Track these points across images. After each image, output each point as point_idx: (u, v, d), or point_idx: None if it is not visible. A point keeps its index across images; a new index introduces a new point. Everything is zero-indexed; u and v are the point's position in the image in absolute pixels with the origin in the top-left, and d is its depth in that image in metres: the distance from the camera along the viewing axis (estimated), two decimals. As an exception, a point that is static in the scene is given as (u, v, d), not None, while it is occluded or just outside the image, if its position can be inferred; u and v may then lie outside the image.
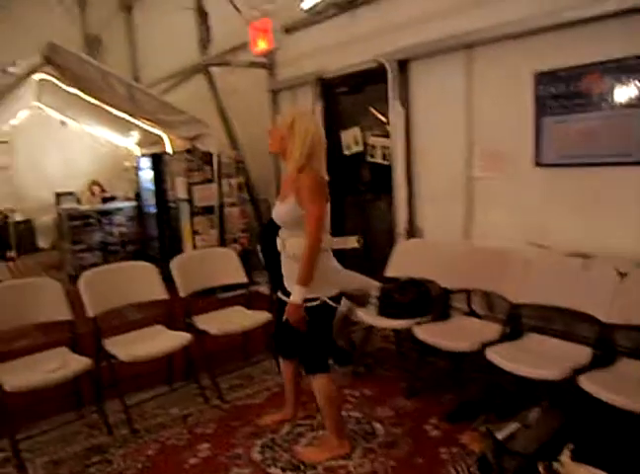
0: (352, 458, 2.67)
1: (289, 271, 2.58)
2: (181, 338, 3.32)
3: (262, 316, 3.62)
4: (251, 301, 3.89)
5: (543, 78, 3.52)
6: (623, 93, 3.13)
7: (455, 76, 4.04)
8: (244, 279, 3.91)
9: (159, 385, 3.57)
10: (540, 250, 3.49)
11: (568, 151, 3.47)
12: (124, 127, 7.46)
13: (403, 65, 4.42)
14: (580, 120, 3.37)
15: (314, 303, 2.50)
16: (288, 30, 4.88)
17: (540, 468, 2.34)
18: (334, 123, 5.34)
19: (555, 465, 2.29)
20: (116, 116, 6.56)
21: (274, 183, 6.14)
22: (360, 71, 4.73)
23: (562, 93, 3.43)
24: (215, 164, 5.56)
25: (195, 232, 5.57)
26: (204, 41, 5.92)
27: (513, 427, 2.52)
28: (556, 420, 2.53)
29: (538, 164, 3.64)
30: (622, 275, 2.74)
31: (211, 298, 4.79)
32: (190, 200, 5.55)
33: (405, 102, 4.45)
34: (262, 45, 4.47)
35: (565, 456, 2.29)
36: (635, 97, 3.08)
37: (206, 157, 5.55)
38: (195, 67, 5.92)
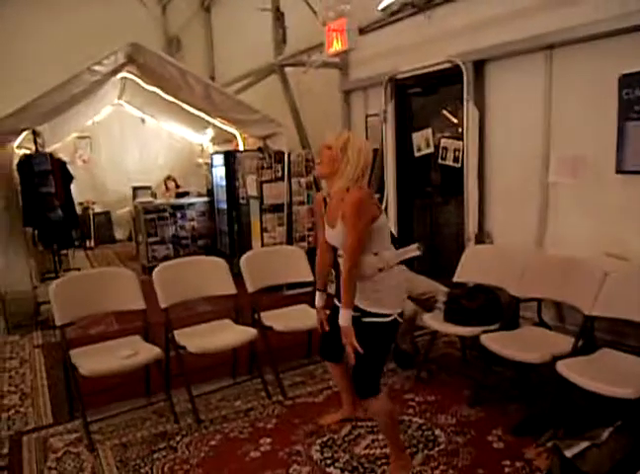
0: (412, 465, 2.64)
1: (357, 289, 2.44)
2: (247, 333, 3.39)
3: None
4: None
5: (628, 80, 3.35)
6: None
7: (534, 78, 3.92)
8: (310, 278, 3.94)
9: (224, 378, 3.66)
10: (618, 261, 3.33)
11: (654, 158, 3.30)
12: (200, 125, 7.74)
13: (479, 66, 4.33)
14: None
15: (386, 319, 2.42)
16: (363, 30, 4.87)
17: (611, 490, 2.24)
18: (405, 125, 5.30)
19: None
20: (192, 113, 6.80)
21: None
22: (434, 72, 4.65)
23: (649, 96, 3.26)
24: (286, 163, 5.63)
25: (263, 229, 5.68)
26: (280, 42, 6.01)
27: (583, 445, 2.43)
28: (630, 440, 2.41)
29: (620, 171, 3.47)
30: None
31: (277, 295, 4.88)
32: (260, 198, 5.66)
33: (480, 103, 4.36)
34: (337, 46, 4.48)
35: (639, 479, 2.19)
36: None
37: (278, 155, 5.64)
38: (269, 67, 6.02)
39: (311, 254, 4.14)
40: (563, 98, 3.77)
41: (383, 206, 5.36)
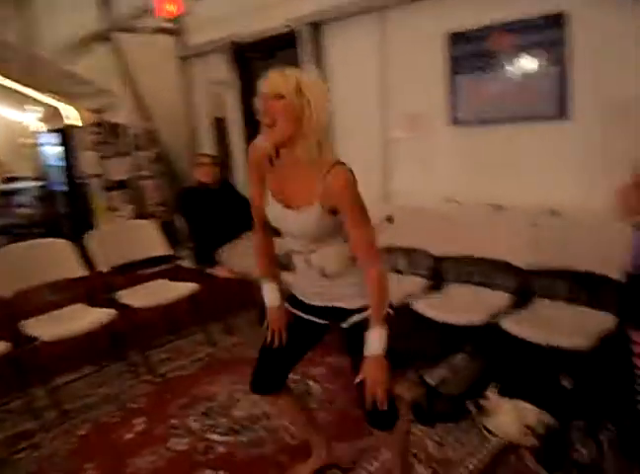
0: None
1: (317, 287, 1.89)
2: (104, 314, 3.18)
3: (187, 287, 3.55)
4: (175, 275, 3.80)
5: (456, 38, 3.61)
6: (531, 52, 3.28)
7: (369, 38, 4.07)
8: (168, 251, 3.81)
9: (86, 366, 3.43)
10: (457, 205, 3.63)
11: (481, 109, 3.61)
12: (21, 101, 6.97)
13: (315, 28, 4.40)
14: (492, 79, 3.50)
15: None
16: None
17: (469, 406, 2.49)
18: (250, 91, 5.24)
19: (482, 401, 2.44)
20: (13, 89, 6.11)
21: (189, 154, 5.99)
22: (273, 36, 4.65)
23: (474, 52, 3.54)
24: (127, 136, 5.32)
25: (110, 208, 5.34)
26: (102, 5, 5.55)
27: (442, 372, 2.66)
28: (480, 362, 2.69)
29: (453, 122, 3.77)
30: (535, 224, 2.91)
31: (132, 275, 4.65)
32: (102, 175, 5.30)
33: (319, 65, 4.44)
34: (170, 9, 4.27)
35: (490, 392, 2.45)
36: (543, 56, 3.24)
37: (117, 129, 5.31)
38: (97, 34, 5.56)
39: (163, 229, 4.00)
40: (397, 57, 3.96)
41: (231, 176, 5.31)
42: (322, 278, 1.84)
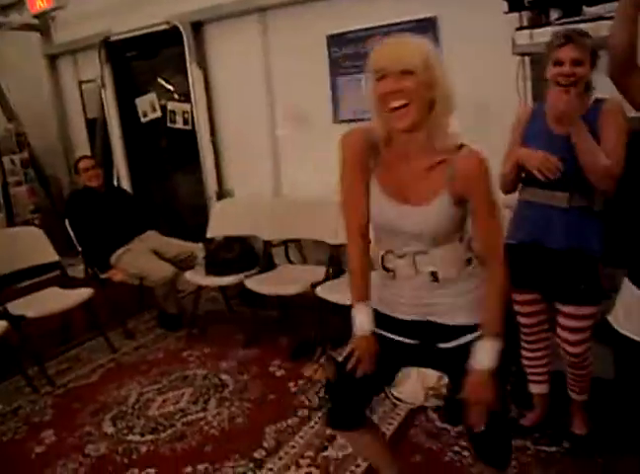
0: (208, 409, 2.76)
1: (417, 298, 1.57)
2: (-6, 327, 3.00)
3: (82, 293, 3.44)
4: (64, 283, 3.65)
5: (335, 40, 3.84)
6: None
7: (252, 38, 4.15)
8: (55, 258, 3.65)
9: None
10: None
11: (361, 108, 3.87)
12: None
13: (198, 27, 4.41)
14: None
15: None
16: (69, -13, 4.48)
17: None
18: (127, 90, 5.11)
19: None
20: None
21: (62, 157, 5.69)
22: (153, 33, 4.58)
23: (352, 54, 3.79)
24: (-8, 139, 4.95)
25: (-24, 217, 4.94)
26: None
27: (347, 348, 2.85)
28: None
29: (336, 121, 4.00)
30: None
31: (12, 288, 4.36)
32: (-36, 182, 4.89)
33: (203, 64, 4.46)
34: (41, 4, 4.06)
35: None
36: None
37: (-21, 132, 4.92)
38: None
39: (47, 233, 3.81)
40: (281, 56, 4.10)
41: (114, 177, 5.15)
42: (429, 286, 1.53)
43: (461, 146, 1.45)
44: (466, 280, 1.53)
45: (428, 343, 1.59)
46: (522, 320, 2.25)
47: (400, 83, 1.37)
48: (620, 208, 2.01)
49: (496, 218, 1.48)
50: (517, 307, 2.24)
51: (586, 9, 2.33)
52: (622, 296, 1.57)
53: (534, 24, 2.51)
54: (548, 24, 2.37)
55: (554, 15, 2.53)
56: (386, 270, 1.57)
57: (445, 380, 2.48)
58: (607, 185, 1.88)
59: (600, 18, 2.18)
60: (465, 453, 2.25)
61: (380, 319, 1.62)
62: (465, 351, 1.48)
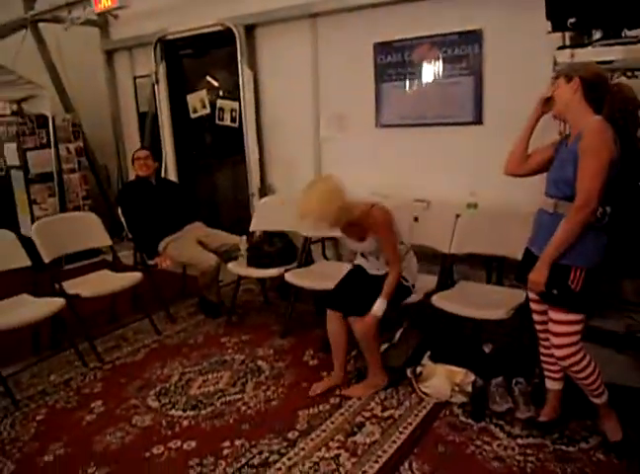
0: (245, 391, 2.95)
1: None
2: (54, 303, 3.22)
3: (132, 277, 3.65)
4: (113, 267, 3.89)
5: (381, 48, 3.99)
6: (448, 63, 3.72)
7: (302, 43, 4.34)
8: (109, 242, 3.89)
9: (26, 358, 3.44)
10: (386, 199, 4.00)
11: (403, 113, 4.01)
12: None
13: (250, 30, 4.61)
14: (413, 87, 3.91)
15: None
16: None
17: (408, 373, 2.86)
18: (179, 86, 5.35)
19: (419, 369, 2.82)
20: None
21: (113, 147, 5.98)
22: (206, 34, 4.80)
23: (398, 62, 3.93)
24: (51, 128, 5.24)
25: (32, 201, 5.24)
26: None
27: (384, 346, 3.00)
28: (417, 335, 3.08)
29: (379, 125, 4.15)
30: (457, 216, 3.33)
31: (60, 269, 4.64)
32: (24, 167, 5.19)
33: (253, 66, 4.66)
34: (105, 3, 4.31)
35: (425, 360, 2.83)
36: (458, 67, 3.68)
37: (40, 120, 5.21)
38: (20, 22, 5.40)
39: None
40: (328, 61, 4.28)
41: (162, 171, 5.39)
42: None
43: (369, 214, 2.74)
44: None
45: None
46: (535, 317, 2.43)
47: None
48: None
49: (392, 245, 2.76)
50: (531, 304, 2.40)
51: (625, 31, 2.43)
52: None
53: (576, 43, 2.60)
54: (589, 44, 2.48)
55: (597, 35, 2.64)
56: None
57: (472, 378, 2.63)
58: (586, 216, 2.04)
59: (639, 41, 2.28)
60: (486, 447, 2.38)
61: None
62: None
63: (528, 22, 3.12)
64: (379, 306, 2.70)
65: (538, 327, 2.44)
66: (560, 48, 2.53)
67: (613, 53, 2.41)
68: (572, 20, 2.46)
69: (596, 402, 2.31)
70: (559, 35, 2.79)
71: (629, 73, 2.66)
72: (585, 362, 2.20)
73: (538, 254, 2.19)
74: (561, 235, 2.07)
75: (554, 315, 2.20)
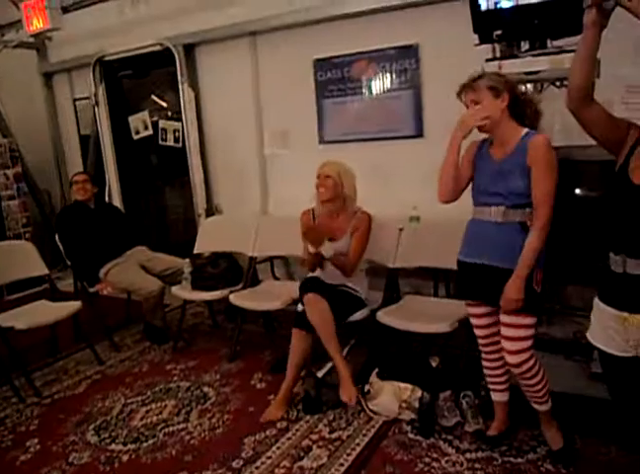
0: (190, 420, 2.84)
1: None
2: (-16, 338, 3.08)
3: (71, 306, 3.51)
4: (52, 296, 3.73)
5: (320, 64, 3.99)
6: (387, 78, 3.74)
7: (242, 61, 4.32)
8: (45, 271, 3.74)
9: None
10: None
11: (346, 129, 4.01)
12: None
13: (189, 49, 4.56)
14: (354, 102, 3.92)
15: None
16: (66, 8, 4.61)
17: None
18: (120, 108, 5.24)
19: (367, 387, 2.77)
20: None
21: (55, 172, 5.80)
22: (145, 54, 4.72)
23: (337, 78, 3.94)
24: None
25: (-32, 230, 5.02)
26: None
27: (329, 365, 2.94)
28: (364, 352, 3.03)
29: (322, 141, 4.13)
30: (400, 229, 3.32)
31: (2, 300, 4.45)
32: (-43, 195, 4.97)
33: (194, 85, 4.60)
34: (37, 25, 4.19)
35: (372, 377, 2.79)
36: (397, 81, 3.71)
37: (-26, 146, 5.01)
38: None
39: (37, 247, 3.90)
40: (269, 78, 4.26)
41: (106, 193, 5.25)
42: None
43: (359, 211, 3.04)
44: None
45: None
46: (478, 332, 2.38)
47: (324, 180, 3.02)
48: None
49: (362, 249, 3.03)
50: (472, 320, 2.37)
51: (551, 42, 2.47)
52: (595, 314, 1.69)
53: (505, 55, 2.64)
54: (516, 56, 2.51)
55: (525, 47, 2.69)
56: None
57: (418, 394, 2.59)
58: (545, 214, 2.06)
59: (563, 51, 2.33)
60: (435, 464, 2.34)
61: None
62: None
63: (461, 35, 3.15)
64: (327, 249, 2.89)
65: (482, 341, 2.39)
66: (488, 61, 2.56)
67: (540, 64, 2.45)
68: (497, 32, 2.49)
69: (540, 409, 2.30)
70: (490, 47, 2.82)
71: (558, 83, 2.72)
72: (536, 368, 2.20)
73: (486, 263, 2.16)
74: (532, 252, 2.06)
75: (511, 319, 2.15)
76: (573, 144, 2.59)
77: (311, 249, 2.92)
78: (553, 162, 2.05)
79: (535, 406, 2.29)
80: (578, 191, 2.89)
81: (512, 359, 2.17)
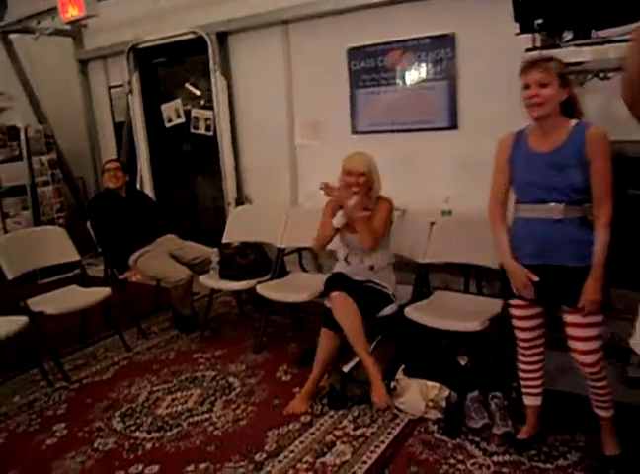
0: (214, 410, 2.83)
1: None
2: (15, 322, 3.11)
3: (101, 292, 3.54)
4: (82, 282, 3.77)
5: (354, 53, 3.91)
6: (422, 68, 3.65)
7: (274, 49, 4.28)
8: (77, 257, 3.78)
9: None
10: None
11: (379, 120, 3.94)
12: None
13: (222, 37, 4.53)
14: (387, 92, 3.84)
15: None
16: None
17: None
18: (153, 95, 5.25)
19: (393, 383, 2.71)
20: None
21: (89, 160, 5.87)
22: (179, 42, 4.71)
23: (371, 67, 3.86)
24: (23, 140, 5.13)
25: (5, 215, 5.12)
26: (-1, 4, 5.33)
27: (355, 360, 2.89)
28: (391, 348, 2.97)
29: (354, 132, 4.06)
30: (432, 224, 3.24)
31: (34, 284, 4.53)
32: (-6, 180, 5.07)
33: (227, 73, 4.58)
34: (72, 12, 4.22)
35: (399, 375, 2.73)
36: (432, 71, 3.61)
37: (12, 132, 5.09)
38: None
39: (70, 233, 3.95)
40: (302, 68, 4.21)
41: (138, 181, 5.29)
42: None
43: (379, 197, 2.95)
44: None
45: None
46: (521, 334, 2.27)
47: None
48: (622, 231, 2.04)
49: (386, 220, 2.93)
50: (516, 322, 2.27)
51: (595, 32, 2.35)
52: None
53: (547, 45, 2.53)
54: (558, 46, 2.40)
55: (568, 36, 2.57)
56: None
57: (446, 393, 2.53)
58: (609, 210, 1.97)
59: (608, 41, 2.21)
60: (460, 466, 2.28)
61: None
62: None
63: (499, 23, 3.03)
64: (338, 219, 2.89)
65: (525, 343, 2.28)
66: (528, 51, 2.45)
67: (583, 55, 2.34)
68: (539, 21, 2.38)
69: (605, 415, 2.20)
70: (530, 36, 2.71)
71: (601, 75, 2.60)
72: (605, 369, 2.13)
73: (550, 263, 2.07)
74: (604, 250, 1.98)
75: (583, 319, 2.06)
76: (624, 139, 2.45)
77: (340, 203, 2.91)
78: (609, 153, 1.97)
79: (600, 412, 2.20)
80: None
81: (586, 359, 2.09)
